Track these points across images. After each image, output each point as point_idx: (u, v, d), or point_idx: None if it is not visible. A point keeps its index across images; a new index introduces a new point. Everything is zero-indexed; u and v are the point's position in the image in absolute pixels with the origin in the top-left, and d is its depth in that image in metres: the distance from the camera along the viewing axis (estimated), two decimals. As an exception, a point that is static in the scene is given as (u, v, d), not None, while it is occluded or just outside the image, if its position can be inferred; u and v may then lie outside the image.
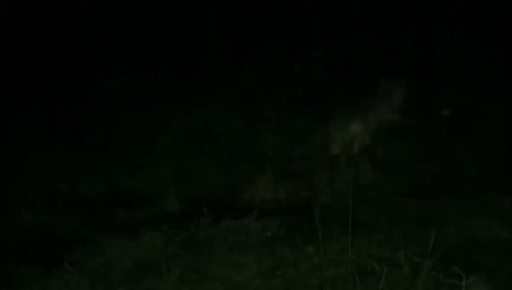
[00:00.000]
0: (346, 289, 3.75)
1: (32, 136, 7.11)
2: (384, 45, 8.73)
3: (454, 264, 3.50)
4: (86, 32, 9.36)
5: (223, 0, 9.40)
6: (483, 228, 4.64)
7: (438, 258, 3.69)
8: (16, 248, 4.67)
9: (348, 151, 6.37)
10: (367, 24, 8.90)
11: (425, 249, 3.70)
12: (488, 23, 8.22)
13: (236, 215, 4.98)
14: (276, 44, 8.80)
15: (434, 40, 8.61)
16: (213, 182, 6.05)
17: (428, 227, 4.41)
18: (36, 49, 9.17)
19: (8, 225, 5.20)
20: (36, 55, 9.07)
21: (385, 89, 6.62)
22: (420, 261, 3.83)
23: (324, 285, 3.78)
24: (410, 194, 5.47)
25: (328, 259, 4.08)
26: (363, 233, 4.43)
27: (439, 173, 5.86)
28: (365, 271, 3.96)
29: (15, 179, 6.12)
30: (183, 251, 4.48)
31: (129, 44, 9.07)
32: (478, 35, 8.18)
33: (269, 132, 6.90)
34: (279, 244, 4.49)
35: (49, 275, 4.15)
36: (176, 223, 4.83)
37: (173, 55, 9.07)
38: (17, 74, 8.67)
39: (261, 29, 9.00)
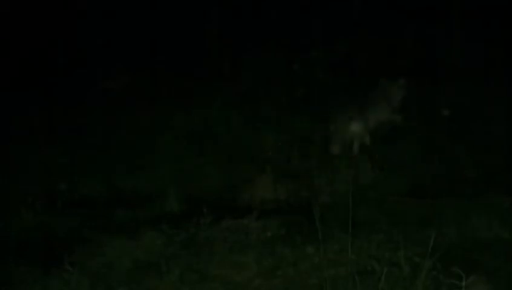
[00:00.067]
0: (346, 289, 3.75)
1: (32, 136, 7.10)
2: (384, 45, 8.73)
3: (454, 264, 3.50)
4: (86, 32, 9.36)
5: (223, 0, 9.40)
6: (483, 228, 4.64)
7: (438, 258, 3.69)
8: (16, 248, 4.66)
9: (348, 151, 6.37)
10: (367, 24, 8.90)
11: (425, 249, 3.70)
12: (488, 23, 8.22)
13: (236, 215, 4.97)
14: (276, 44, 8.80)
15: (434, 40, 8.61)
16: (213, 182, 6.04)
17: (428, 227, 4.41)
18: (36, 49, 9.17)
19: (8, 225, 5.20)
20: (36, 55, 9.07)
21: (385, 89, 6.62)
22: (420, 261, 3.83)
23: (324, 285, 3.78)
24: (410, 194, 5.47)
25: (328, 259, 4.08)
26: (363, 233, 4.42)
27: (439, 173, 5.86)
28: (365, 271, 3.96)
29: (15, 179, 6.12)
30: (183, 251, 4.48)
31: (129, 44, 9.07)
32: (478, 35, 8.18)
33: (269, 132, 6.90)
34: (279, 244, 4.49)
35: (49, 275, 4.15)
36: (176, 223, 4.83)
37: (173, 55, 9.07)
38: (17, 74, 8.67)
39: (261, 29, 9.00)
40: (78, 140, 7.10)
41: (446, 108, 7.07)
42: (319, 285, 3.86)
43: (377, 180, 5.78)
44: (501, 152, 6.12)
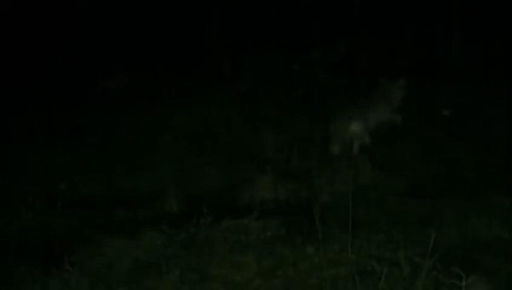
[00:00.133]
0: (346, 289, 3.75)
1: (32, 136, 7.10)
2: (384, 45, 8.74)
3: (454, 264, 3.50)
4: (86, 32, 9.37)
5: (223, 0, 9.40)
6: (483, 228, 4.64)
7: (438, 258, 3.69)
8: (16, 248, 4.66)
9: (348, 151, 6.37)
10: (367, 24, 8.90)
11: (425, 249, 3.70)
12: (488, 23, 8.23)
13: (236, 215, 4.97)
14: (276, 44, 8.80)
15: (434, 40, 8.61)
16: (213, 182, 6.04)
17: (428, 227, 4.41)
18: (36, 49, 9.17)
19: (8, 225, 5.20)
20: (36, 55, 9.08)
21: (385, 89, 6.61)
22: (420, 261, 3.83)
23: (324, 285, 3.78)
24: (410, 194, 5.47)
25: (328, 259, 4.08)
26: (363, 233, 4.42)
27: (439, 173, 5.86)
28: (365, 271, 3.96)
29: (15, 179, 6.12)
30: (183, 251, 4.48)
31: (129, 44, 9.07)
32: (478, 35, 8.19)
33: (269, 132, 6.90)
34: (279, 244, 4.49)
35: (49, 275, 4.15)
36: (176, 223, 4.83)
37: (173, 55, 9.07)
38: (17, 74, 8.67)
39: (261, 29, 9.00)
40: (78, 140, 7.10)
41: (446, 108, 7.07)
42: (319, 285, 3.86)
43: (377, 180, 5.78)
44: (501, 152, 6.12)
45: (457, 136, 6.54)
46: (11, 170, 6.38)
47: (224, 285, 4.05)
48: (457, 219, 4.77)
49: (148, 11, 9.42)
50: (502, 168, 5.79)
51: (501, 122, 6.64)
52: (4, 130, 7.27)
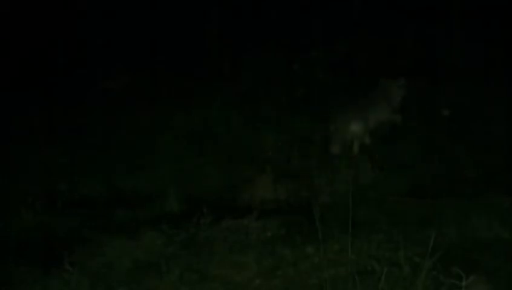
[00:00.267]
0: (346, 289, 3.75)
1: (32, 136, 7.11)
2: (384, 45, 8.74)
3: (454, 264, 3.51)
4: (86, 32, 9.37)
5: (223, 0, 9.40)
6: (483, 228, 4.64)
7: (438, 258, 3.68)
8: (16, 248, 4.66)
9: (348, 151, 6.37)
10: (367, 24, 8.90)
11: (425, 249, 3.70)
12: (488, 23, 8.23)
13: (236, 215, 4.97)
14: (276, 44, 8.80)
15: (434, 40, 8.61)
16: (213, 182, 6.04)
17: (428, 227, 4.41)
18: (36, 49, 9.17)
19: (8, 225, 5.20)
20: (36, 55, 9.08)
21: (385, 89, 6.61)
22: (420, 261, 3.82)
23: (324, 285, 3.78)
24: (410, 194, 5.47)
25: (328, 259, 4.08)
26: (363, 233, 4.42)
27: (439, 173, 5.86)
28: (365, 271, 3.96)
29: (15, 179, 6.12)
30: (183, 251, 4.48)
31: (129, 44, 9.08)
32: (478, 35, 8.19)
33: (269, 132, 6.90)
34: (279, 244, 4.48)
35: (49, 275, 4.15)
36: (176, 223, 4.82)
37: (173, 55, 9.07)
38: (17, 74, 8.68)
39: (261, 29, 9.00)
40: (78, 140, 7.11)
41: (446, 108, 7.07)
42: (319, 285, 3.86)
43: (377, 180, 5.78)
44: (501, 152, 6.12)
45: (457, 136, 6.54)
46: (11, 170, 6.38)
47: (224, 285, 4.05)
48: (457, 219, 4.77)
49: (148, 11, 9.43)
50: (502, 168, 5.79)
51: (501, 122, 6.64)
52: (4, 130, 7.27)
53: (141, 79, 8.78)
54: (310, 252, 4.31)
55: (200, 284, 4.06)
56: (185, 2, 9.33)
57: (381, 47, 8.72)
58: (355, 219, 4.02)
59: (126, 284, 4.05)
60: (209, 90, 7.97)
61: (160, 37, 9.20)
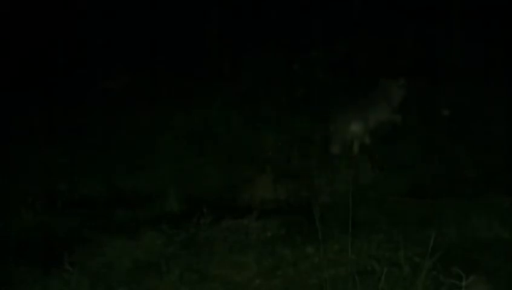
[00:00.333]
0: (346, 289, 3.75)
1: (32, 136, 7.11)
2: (384, 45, 8.74)
3: (454, 264, 3.50)
4: (86, 32, 9.37)
5: (223, 0, 9.40)
6: (483, 228, 4.64)
7: (438, 258, 3.68)
8: (16, 248, 4.66)
9: (348, 151, 6.37)
10: (367, 24, 8.90)
11: (425, 249, 3.70)
12: (488, 23, 8.23)
13: (236, 215, 4.97)
14: (276, 44, 8.80)
15: (434, 40, 8.61)
16: (213, 182, 6.04)
17: (428, 227, 4.41)
18: (36, 49, 9.17)
19: (8, 225, 5.20)
20: (36, 55, 9.08)
21: (385, 89, 6.62)
22: (420, 261, 3.82)
23: (324, 285, 3.78)
24: (410, 194, 5.47)
25: (328, 259, 4.08)
26: (363, 233, 4.42)
27: (439, 173, 5.86)
28: (365, 271, 3.96)
29: (15, 179, 6.12)
30: (183, 251, 4.48)
31: (129, 44, 9.08)
32: (478, 35, 8.19)
33: (269, 132, 6.90)
34: (279, 244, 4.48)
35: (49, 275, 4.15)
36: (176, 223, 4.82)
37: (173, 55, 9.07)
38: (17, 74, 8.68)
39: (261, 29, 9.00)
40: (78, 140, 7.11)
41: (446, 108, 7.07)
42: (319, 285, 3.86)
43: (377, 180, 5.78)
44: (501, 152, 6.12)
45: (457, 136, 6.54)
46: (11, 170, 6.38)
47: (224, 285, 4.05)
48: (457, 219, 4.77)
49: (148, 11, 9.43)
50: (502, 168, 5.79)
51: (501, 122, 6.64)
52: (4, 130, 7.27)
53: (141, 79, 8.78)
54: (310, 252, 4.31)
55: (200, 284, 4.06)
56: (185, 2, 9.33)
57: (381, 47, 8.72)
58: (355, 219, 4.01)
59: (126, 284, 4.05)
60: (209, 90, 7.97)
61: (160, 37, 9.20)
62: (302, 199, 5.54)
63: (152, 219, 5.12)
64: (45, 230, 5.11)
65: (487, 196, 5.19)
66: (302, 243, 4.43)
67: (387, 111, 6.57)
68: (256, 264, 4.25)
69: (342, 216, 4.19)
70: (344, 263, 4.03)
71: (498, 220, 4.68)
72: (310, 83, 8.12)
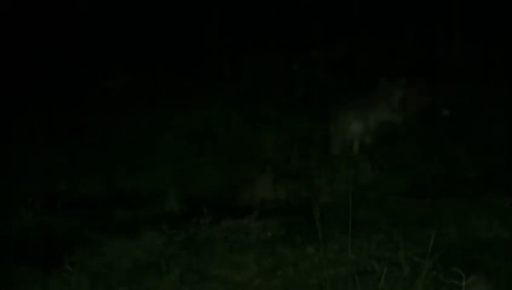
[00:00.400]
0: (346, 289, 3.75)
1: (32, 136, 7.11)
2: (384, 45, 8.73)
3: (454, 264, 3.50)
4: (86, 32, 9.37)
5: (223, 0, 9.40)
6: (483, 228, 4.64)
7: (438, 258, 3.68)
8: (16, 248, 4.66)
9: (348, 151, 6.37)
10: (367, 24, 8.90)
11: (425, 249, 3.70)
12: (488, 23, 8.22)
13: (236, 215, 4.97)
14: (276, 44, 8.80)
15: (434, 40, 8.61)
16: (213, 182, 6.05)
17: (428, 227, 4.41)
18: (36, 49, 9.17)
19: (8, 225, 5.20)
20: (36, 55, 9.08)
21: (385, 89, 6.62)
22: (420, 261, 3.83)
23: (324, 285, 3.78)
24: (410, 194, 5.47)
25: (328, 259, 4.08)
26: (363, 233, 4.42)
27: (439, 173, 5.86)
28: (365, 271, 3.96)
29: (15, 179, 6.12)
30: (183, 251, 4.48)
31: (129, 44, 9.08)
32: (478, 35, 8.18)
33: (269, 132, 6.90)
34: (279, 244, 4.49)
35: (49, 275, 4.15)
36: (176, 223, 4.83)
37: (173, 55, 9.07)
38: (17, 74, 8.68)
39: (261, 29, 9.00)
40: (78, 140, 7.11)
41: (446, 108, 7.07)
42: (319, 285, 3.86)
43: (377, 180, 5.78)
44: (501, 152, 6.12)
45: (457, 136, 6.54)
46: (11, 170, 6.38)
47: (224, 285, 4.05)
48: (457, 219, 4.77)
49: (148, 11, 9.43)
50: (502, 168, 5.79)
51: (501, 122, 6.64)
52: (4, 130, 7.27)
53: (141, 79, 8.78)
54: (310, 252, 4.31)
55: (200, 284, 4.06)
56: (185, 2, 9.33)
57: (381, 47, 8.72)
58: (355, 219, 4.01)
59: (126, 284, 4.05)
60: (209, 90, 7.97)
61: (160, 37, 9.20)
62: (302, 199, 5.54)
63: (152, 219, 5.12)
64: (45, 230, 5.11)
65: (487, 196, 5.20)
66: (302, 243, 4.43)
67: (387, 111, 6.58)
68: (256, 264, 4.25)
69: (342, 216, 4.19)
70: (344, 263, 4.03)
71: (498, 220, 4.68)
72: (310, 83, 8.12)
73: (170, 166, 6.34)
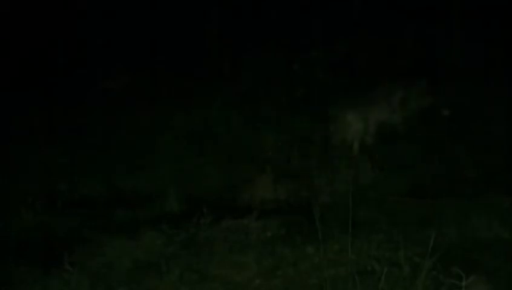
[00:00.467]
0: (346, 289, 3.75)
1: (32, 136, 7.11)
2: (384, 45, 8.73)
3: (454, 264, 3.50)
4: (86, 32, 9.37)
5: (223, 0, 9.41)
6: (483, 228, 4.64)
7: (438, 258, 3.68)
8: (16, 248, 4.66)
9: (348, 151, 6.37)
10: (367, 24, 8.90)
11: (425, 249, 3.70)
12: (488, 23, 8.22)
13: (236, 215, 4.97)
14: (276, 44, 8.80)
15: (434, 40, 8.61)
16: (213, 182, 6.05)
17: (428, 227, 4.41)
18: (36, 49, 9.17)
19: (8, 225, 5.20)
20: (36, 55, 9.08)
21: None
22: (420, 261, 3.82)
23: (324, 285, 3.78)
24: (410, 194, 5.47)
25: (328, 259, 4.08)
26: (363, 233, 4.42)
27: (439, 173, 5.86)
28: (365, 271, 3.96)
29: (15, 179, 6.12)
30: (183, 251, 4.48)
31: (129, 44, 9.08)
32: (478, 35, 8.18)
33: (269, 132, 6.90)
34: (279, 244, 4.49)
35: (49, 275, 4.15)
36: (176, 223, 4.83)
37: (173, 55, 9.08)
38: (17, 74, 8.68)
39: (261, 29, 9.00)
40: (78, 140, 7.11)
41: (446, 108, 7.06)
42: (319, 285, 3.86)
43: (377, 180, 5.78)
44: (501, 152, 6.12)
45: (457, 136, 6.54)
46: (11, 170, 6.38)
47: (224, 285, 4.05)
48: (457, 219, 4.77)
49: (148, 11, 9.43)
50: (502, 168, 5.79)
51: (501, 122, 6.64)
52: (4, 130, 7.27)
53: (141, 79, 8.79)
54: (310, 252, 4.31)
55: (200, 284, 4.06)
56: (185, 2, 9.33)
57: (381, 47, 8.72)
58: (355, 219, 4.01)
59: (126, 284, 4.05)
60: (209, 90, 7.97)
61: (160, 37, 9.20)
62: (302, 199, 5.54)
63: (152, 219, 5.12)
64: (45, 230, 5.11)
65: (487, 196, 5.19)
66: (302, 243, 4.43)
67: (387, 111, 6.57)
68: (256, 264, 4.25)
69: (342, 216, 4.19)
70: (344, 263, 4.03)
71: (498, 220, 4.68)
72: (310, 83, 8.12)
73: (170, 166, 6.34)
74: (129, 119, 7.57)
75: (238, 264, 4.26)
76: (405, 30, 8.74)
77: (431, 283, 3.70)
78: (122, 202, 5.65)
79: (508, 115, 6.70)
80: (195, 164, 6.39)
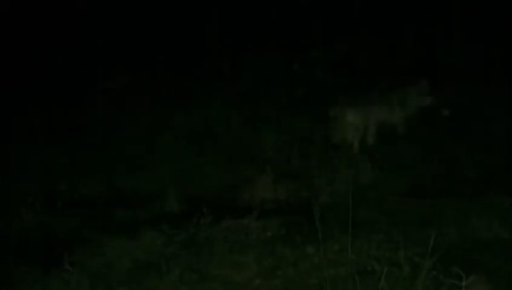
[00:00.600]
0: (346, 289, 3.75)
1: (32, 136, 7.11)
2: (384, 45, 8.74)
3: (454, 264, 3.50)
4: (86, 32, 9.38)
5: (223, 0, 9.41)
6: (483, 228, 4.64)
7: (438, 258, 3.68)
8: (16, 248, 4.66)
9: (348, 151, 6.37)
10: (367, 24, 8.91)
11: (425, 249, 3.70)
12: (488, 23, 8.23)
13: (236, 215, 4.97)
14: (276, 44, 8.81)
15: (434, 40, 8.62)
16: (213, 182, 6.04)
17: (428, 227, 4.41)
18: (36, 49, 9.17)
19: (8, 225, 5.20)
20: (36, 55, 9.08)
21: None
22: (420, 261, 3.82)
23: (324, 285, 3.78)
24: (410, 194, 5.47)
25: (328, 259, 4.08)
26: (363, 233, 4.42)
27: (439, 173, 5.86)
28: (365, 271, 3.96)
29: (15, 179, 6.12)
30: (183, 251, 4.48)
31: (129, 44, 9.08)
32: (478, 35, 8.19)
33: (269, 132, 6.90)
34: (279, 244, 4.49)
35: (49, 275, 4.15)
36: (176, 223, 4.83)
37: (173, 55, 9.08)
38: (17, 74, 8.68)
39: (261, 29, 9.01)
40: (78, 140, 7.11)
41: (446, 108, 7.07)
42: (319, 285, 3.86)
43: (377, 180, 5.78)
44: (501, 152, 6.12)
45: (457, 136, 6.54)
46: (11, 170, 6.38)
47: (224, 285, 4.05)
48: (457, 219, 4.77)
49: (148, 11, 9.43)
50: (502, 168, 5.79)
51: (501, 122, 6.65)
52: (4, 130, 7.27)
53: (141, 79, 8.79)
54: (310, 252, 4.31)
55: (200, 284, 4.06)
56: (185, 2, 9.33)
57: (381, 47, 8.72)
58: (355, 219, 4.02)
59: (126, 284, 4.05)
60: (209, 90, 7.97)
61: (160, 37, 9.21)
62: (302, 199, 5.54)
63: (152, 219, 5.12)
64: (45, 230, 5.11)
65: (487, 196, 5.19)
66: (302, 243, 4.43)
67: (387, 111, 6.57)
68: (256, 264, 4.25)
69: (342, 216, 4.19)
70: (344, 263, 4.03)
71: (498, 220, 4.68)
72: (310, 83, 8.13)
73: (170, 166, 6.34)
74: (129, 119, 7.57)
75: (238, 264, 4.26)
76: (405, 30, 8.75)
77: (431, 283, 3.70)
78: (122, 202, 5.64)
79: (508, 115, 6.70)
80: (195, 164, 6.39)
